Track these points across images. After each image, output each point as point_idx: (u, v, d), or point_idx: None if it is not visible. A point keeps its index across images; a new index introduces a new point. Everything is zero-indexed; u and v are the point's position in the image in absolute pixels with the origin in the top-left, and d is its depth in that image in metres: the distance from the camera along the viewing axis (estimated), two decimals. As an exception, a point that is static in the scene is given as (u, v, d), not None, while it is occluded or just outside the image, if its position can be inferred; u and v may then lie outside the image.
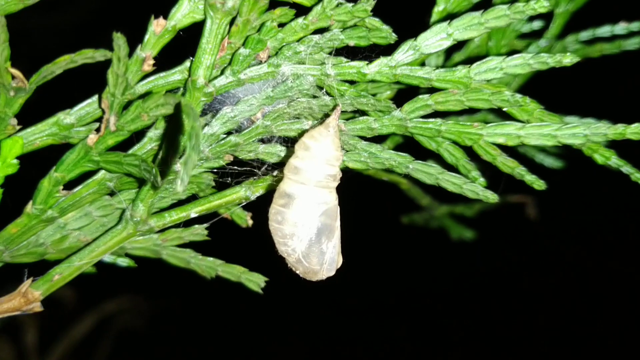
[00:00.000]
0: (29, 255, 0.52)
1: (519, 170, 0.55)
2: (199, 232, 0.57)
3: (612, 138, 0.52)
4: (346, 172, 0.63)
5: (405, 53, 0.51)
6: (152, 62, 0.50)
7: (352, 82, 0.52)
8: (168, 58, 0.51)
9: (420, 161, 0.55)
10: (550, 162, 0.76)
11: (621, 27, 0.67)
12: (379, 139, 0.56)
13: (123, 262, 0.57)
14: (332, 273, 0.51)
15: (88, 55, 0.46)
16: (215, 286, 0.60)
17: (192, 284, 0.63)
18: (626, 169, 0.56)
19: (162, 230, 0.56)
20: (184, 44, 0.51)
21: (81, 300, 1.58)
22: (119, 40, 0.43)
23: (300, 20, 0.50)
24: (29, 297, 0.52)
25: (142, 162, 0.46)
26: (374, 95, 0.58)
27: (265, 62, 0.51)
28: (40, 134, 0.49)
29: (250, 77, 0.50)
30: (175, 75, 0.51)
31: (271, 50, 0.50)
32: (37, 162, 0.50)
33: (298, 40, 0.50)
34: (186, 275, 0.59)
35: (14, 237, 0.51)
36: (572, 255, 1.75)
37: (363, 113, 0.54)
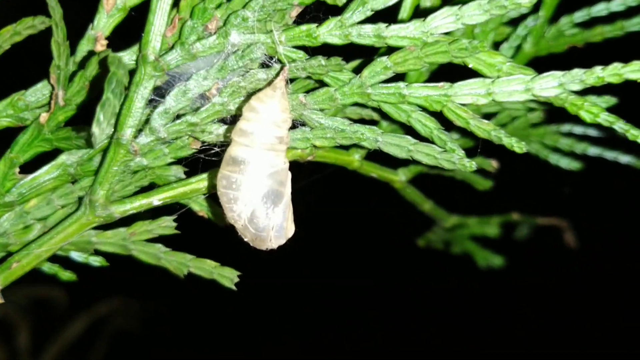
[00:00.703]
0: (-9, 246, 0.52)
1: (496, 134, 0.51)
2: (168, 224, 0.55)
3: (591, 84, 0.48)
4: (327, 167, 0.61)
5: (355, 11, 0.49)
6: (104, 42, 0.50)
7: (306, 50, 0.51)
8: (126, 41, 0.52)
9: (390, 133, 0.53)
10: (566, 163, 0.70)
11: (617, 3, 0.63)
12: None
13: (95, 261, 0.56)
14: (282, 241, 0.49)
15: (29, 24, 0.47)
16: (210, 288, 0.57)
17: (185, 285, 0.61)
18: (619, 125, 0.51)
19: (129, 225, 0.55)
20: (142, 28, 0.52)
21: (73, 302, 1.58)
22: (52, 1, 0.44)
23: (248, -10, 0.50)
24: (-12, 286, 0.51)
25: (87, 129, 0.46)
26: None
27: (214, 33, 0.50)
28: (-6, 116, 0.50)
29: (200, 50, 0.50)
30: (131, 55, 0.51)
31: (220, 21, 0.50)
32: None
33: (244, 6, 0.49)
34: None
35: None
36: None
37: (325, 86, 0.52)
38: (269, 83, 0.49)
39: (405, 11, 0.57)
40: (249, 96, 0.49)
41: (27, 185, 0.51)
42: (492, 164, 0.67)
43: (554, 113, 0.68)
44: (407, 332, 1.84)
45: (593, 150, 0.69)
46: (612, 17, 0.64)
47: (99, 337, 1.67)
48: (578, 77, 0.48)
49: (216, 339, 1.79)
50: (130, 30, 0.52)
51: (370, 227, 1.71)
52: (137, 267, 0.58)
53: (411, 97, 0.50)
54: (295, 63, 0.50)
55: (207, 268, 0.55)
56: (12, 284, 0.53)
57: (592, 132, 0.69)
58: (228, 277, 0.55)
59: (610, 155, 0.69)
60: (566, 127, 0.69)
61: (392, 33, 0.49)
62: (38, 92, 0.50)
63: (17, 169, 0.50)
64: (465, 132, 0.67)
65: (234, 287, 0.55)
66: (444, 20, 0.48)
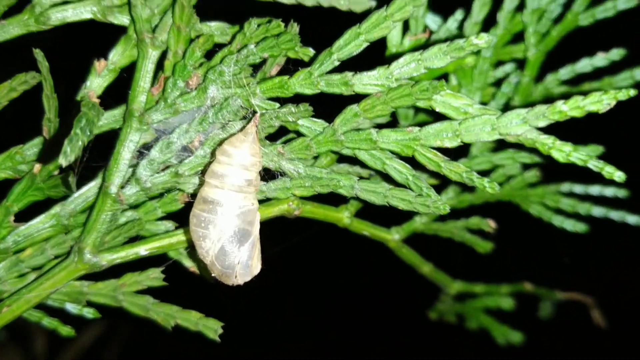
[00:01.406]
0: (-14, 293, 0.55)
1: (467, 175, 0.51)
2: (156, 275, 0.56)
3: (555, 119, 0.48)
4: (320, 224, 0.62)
5: (322, 62, 0.52)
6: (97, 100, 0.55)
7: (280, 102, 0.53)
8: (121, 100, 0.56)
9: (366, 180, 0.54)
10: (571, 225, 0.69)
11: (600, 58, 0.64)
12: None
13: (89, 313, 0.58)
14: (248, 278, 0.51)
15: (22, 80, 0.52)
16: (222, 293, 0.58)
17: (201, 290, 0.62)
18: (593, 163, 0.50)
19: (118, 275, 0.57)
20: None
21: None
22: (38, 55, 0.49)
23: (225, 49, 0.54)
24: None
25: (68, 175, 0.49)
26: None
27: (195, 89, 0.54)
28: (-7, 168, 0.54)
29: (182, 105, 0.54)
30: (121, 112, 0.55)
31: (200, 78, 0.54)
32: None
33: (220, 62, 0.53)
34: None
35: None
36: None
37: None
38: (241, 129, 0.52)
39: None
40: (222, 141, 0.52)
41: (22, 233, 0.54)
42: (490, 224, 0.67)
43: (551, 172, 0.67)
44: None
45: (597, 211, 0.68)
46: (597, 73, 0.65)
47: (113, 342, 1.71)
48: (541, 113, 0.49)
49: (227, 346, 1.76)
50: (122, 90, 0.56)
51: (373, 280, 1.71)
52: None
53: (382, 142, 0.52)
54: (268, 112, 0.52)
55: (193, 319, 0.56)
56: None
57: (594, 191, 0.67)
58: (212, 328, 0.56)
59: (615, 215, 0.68)
60: (566, 187, 0.68)
61: (358, 81, 0.51)
62: (35, 146, 0.55)
63: (12, 217, 0.54)
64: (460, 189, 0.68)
65: (217, 339, 0.56)
66: (407, 66, 0.51)
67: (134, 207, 0.56)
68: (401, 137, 0.52)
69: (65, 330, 0.60)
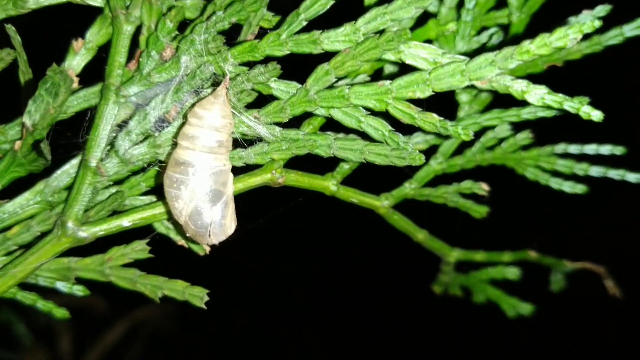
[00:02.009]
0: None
1: (441, 124, 0.51)
2: (141, 247, 0.57)
3: (523, 59, 0.48)
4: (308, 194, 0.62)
5: (290, 24, 0.52)
6: (76, 79, 0.56)
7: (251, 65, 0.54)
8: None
9: (342, 137, 0.54)
10: (569, 186, 0.67)
11: (586, 15, 0.63)
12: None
13: (79, 290, 0.58)
14: (222, 238, 0.52)
15: (-1, 58, 0.53)
16: (237, 292, 0.59)
17: (218, 290, 0.62)
18: (569, 104, 0.49)
19: (105, 251, 0.57)
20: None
21: (113, 308, 1.66)
22: (10, 30, 0.50)
23: (197, 20, 0.55)
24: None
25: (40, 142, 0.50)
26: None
27: (169, 60, 0.55)
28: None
29: (157, 76, 0.54)
30: (96, 87, 0.56)
31: (173, 48, 0.55)
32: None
33: (191, 31, 0.54)
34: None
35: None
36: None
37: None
38: (212, 92, 0.52)
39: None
40: (193, 104, 0.52)
41: (6, 210, 0.55)
42: (483, 187, 0.65)
43: (543, 134, 0.66)
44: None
45: (595, 170, 0.66)
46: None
47: (137, 341, 1.75)
48: (509, 54, 0.48)
49: (250, 344, 1.76)
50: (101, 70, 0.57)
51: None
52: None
53: (354, 98, 0.52)
54: (240, 75, 0.53)
55: (179, 289, 0.56)
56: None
57: (590, 150, 0.66)
58: (198, 295, 0.56)
59: (614, 174, 0.65)
60: (561, 147, 0.66)
61: (326, 38, 0.51)
62: (17, 126, 0.56)
63: (-4, 195, 0.55)
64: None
65: (204, 306, 0.55)
66: (374, 20, 0.51)
67: (118, 182, 0.57)
68: (373, 90, 0.51)
69: (60, 313, 0.60)
